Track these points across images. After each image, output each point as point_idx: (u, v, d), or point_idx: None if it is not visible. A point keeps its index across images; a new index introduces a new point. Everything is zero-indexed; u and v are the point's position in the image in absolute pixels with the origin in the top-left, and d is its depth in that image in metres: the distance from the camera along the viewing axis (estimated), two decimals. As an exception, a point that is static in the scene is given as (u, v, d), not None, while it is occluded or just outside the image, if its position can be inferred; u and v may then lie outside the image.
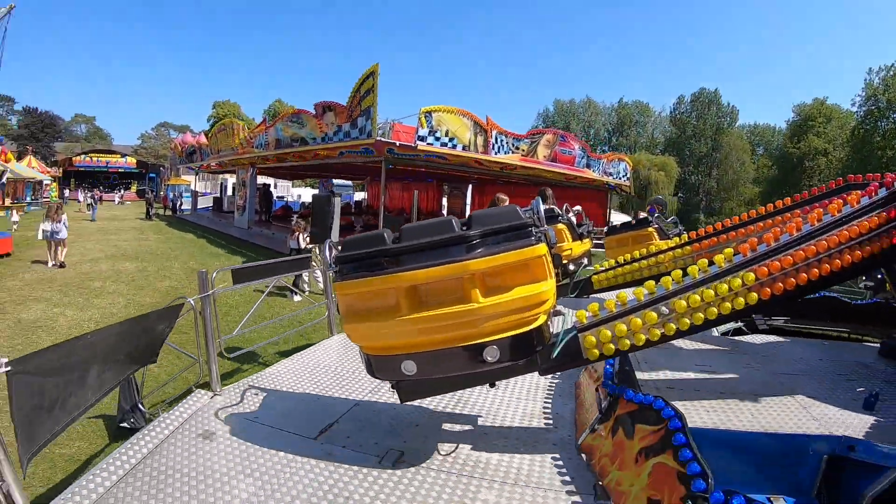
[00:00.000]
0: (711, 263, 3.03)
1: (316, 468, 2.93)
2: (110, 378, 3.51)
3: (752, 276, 2.84)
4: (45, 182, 34.53)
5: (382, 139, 12.47)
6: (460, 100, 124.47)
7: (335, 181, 31.96)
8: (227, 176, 32.25)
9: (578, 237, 5.66)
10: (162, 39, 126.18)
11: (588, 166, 20.48)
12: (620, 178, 23.55)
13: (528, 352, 2.77)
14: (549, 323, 2.89)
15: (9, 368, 2.46)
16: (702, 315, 2.80)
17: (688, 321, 2.80)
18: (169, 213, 33.54)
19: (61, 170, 44.08)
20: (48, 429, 2.86)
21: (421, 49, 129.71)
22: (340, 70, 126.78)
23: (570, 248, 5.44)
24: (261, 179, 25.41)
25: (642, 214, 9.30)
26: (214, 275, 4.00)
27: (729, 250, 3.09)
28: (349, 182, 36.23)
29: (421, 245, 2.61)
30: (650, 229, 6.51)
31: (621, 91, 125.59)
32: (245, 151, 19.19)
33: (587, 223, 6.31)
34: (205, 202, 35.37)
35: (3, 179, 24.77)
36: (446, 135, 13.05)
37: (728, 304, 2.80)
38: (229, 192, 32.92)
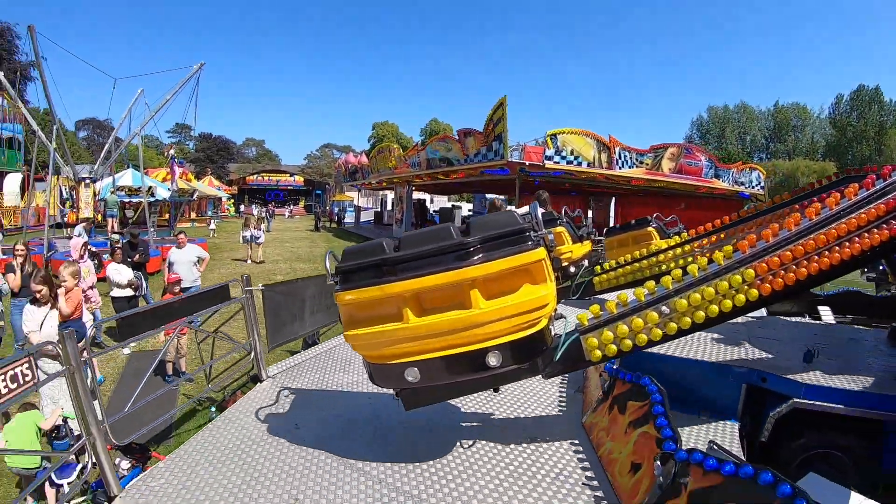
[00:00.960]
0: (711, 261, 3.02)
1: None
2: (318, 319, 5.66)
3: (751, 272, 2.84)
4: (223, 199, 39.15)
5: (513, 160, 14.56)
6: (613, 113, 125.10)
7: (489, 195, 33.88)
8: (386, 192, 36.18)
9: (578, 239, 5.64)
10: (323, 68, 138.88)
11: (717, 177, 21.02)
12: (753, 187, 23.90)
13: (530, 356, 2.78)
14: (550, 326, 2.90)
15: (262, 287, 4.78)
16: (703, 313, 2.80)
17: (689, 320, 2.80)
18: (334, 225, 38.56)
19: (236, 188, 48.99)
20: (283, 335, 5.05)
21: (579, 62, 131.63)
22: (489, 87, 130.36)
23: (570, 251, 5.42)
24: (418, 195, 29.22)
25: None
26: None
27: (728, 247, 3.09)
28: (504, 196, 38.96)
29: (420, 253, 2.62)
30: (650, 229, 6.48)
31: (777, 94, 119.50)
32: (400, 171, 21.30)
33: (586, 225, 6.28)
34: (367, 216, 40.23)
35: (194, 197, 30.78)
36: (571, 153, 14.71)
37: (729, 302, 2.80)
38: (388, 206, 37.01)
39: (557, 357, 2.89)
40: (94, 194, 19.03)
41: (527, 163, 14.66)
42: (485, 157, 15.45)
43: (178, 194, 23.69)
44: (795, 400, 3.45)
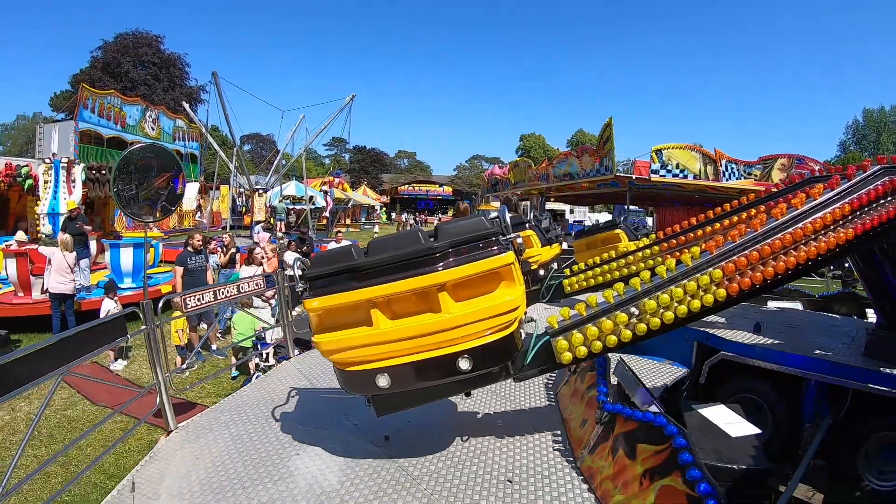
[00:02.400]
0: (679, 262, 3.01)
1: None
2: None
3: (719, 272, 2.85)
4: (375, 207, 41.78)
5: (621, 174, 15.76)
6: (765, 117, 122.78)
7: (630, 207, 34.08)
8: (525, 203, 35.61)
9: (547, 242, 5.58)
10: (474, 81, 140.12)
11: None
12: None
13: (501, 359, 2.78)
14: (520, 330, 2.90)
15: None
16: (672, 314, 2.80)
17: (658, 320, 2.80)
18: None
19: (389, 197, 51.72)
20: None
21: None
22: (634, 95, 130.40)
23: (540, 254, 5.36)
24: (556, 206, 31.11)
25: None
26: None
27: (696, 248, 3.08)
28: (641, 208, 39.12)
29: (389, 259, 2.61)
30: (618, 231, 6.47)
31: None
32: (533, 184, 22.17)
33: (555, 228, 6.17)
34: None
35: (349, 205, 34.55)
36: (677, 167, 15.41)
37: (697, 302, 2.80)
38: (528, 215, 38.07)
39: (528, 360, 2.88)
40: (266, 202, 25.30)
41: (634, 176, 15.54)
42: (598, 172, 16.84)
43: (334, 203, 28.77)
44: (723, 352, 4.46)
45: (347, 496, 2.75)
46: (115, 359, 7.62)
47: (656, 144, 15.33)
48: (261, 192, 24.89)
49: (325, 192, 29.96)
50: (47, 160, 14.15)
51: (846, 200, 3.25)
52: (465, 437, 3.42)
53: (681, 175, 15.66)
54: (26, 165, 15.45)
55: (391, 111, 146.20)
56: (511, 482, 2.88)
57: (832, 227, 3.16)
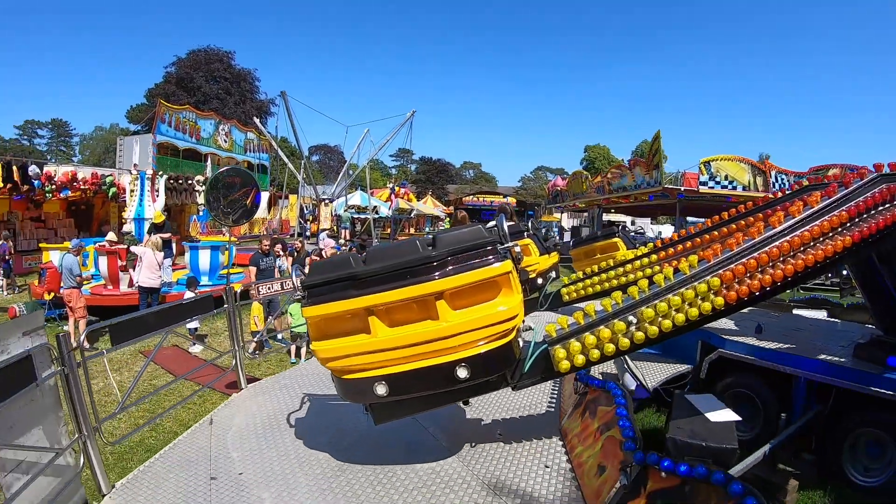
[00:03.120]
0: (677, 271, 2.93)
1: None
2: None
3: (717, 280, 2.75)
4: (440, 217, 41.86)
5: (670, 186, 15.49)
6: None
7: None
8: (584, 214, 37.23)
9: (545, 251, 5.39)
10: (539, 92, 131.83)
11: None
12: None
13: (499, 368, 2.68)
14: (518, 338, 2.81)
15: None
16: (669, 322, 2.71)
17: (656, 329, 2.71)
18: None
19: (453, 207, 50.48)
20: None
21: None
22: (701, 107, 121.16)
23: (538, 263, 5.17)
24: (616, 217, 31.22)
25: None
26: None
27: (694, 257, 2.99)
28: (702, 219, 40.06)
29: (387, 267, 2.51)
30: (616, 239, 6.30)
31: None
32: (590, 196, 21.99)
33: (553, 237, 5.93)
34: (569, 236, 42.80)
35: (412, 215, 33.42)
36: (725, 178, 15.03)
37: (695, 310, 2.71)
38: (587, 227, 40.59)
39: (526, 369, 2.79)
40: (332, 211, 25.32)
41: (682, 188, 15.24)
42: (649, 184, 16.70)
43: (398, 212, 29.09)
44: (720, 350, 4.54)
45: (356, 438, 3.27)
46: (193, 343, 8.28)
47: (714, 155, 15.05)
48: (327, 201, 25.13)
49: (392, 193, 30.31)
50: (132, 171, 14.98)
51: (844, 208, 3.13)
52: (474, 443, 3.29)
53: (729, 186, 15.21)
54: (110, 175, 17.03)
55: (457, 123, 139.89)
56: (548, 467, 2.95)
57: (830, 234, 3.01)
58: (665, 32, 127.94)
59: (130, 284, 10.11)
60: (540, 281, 4.90)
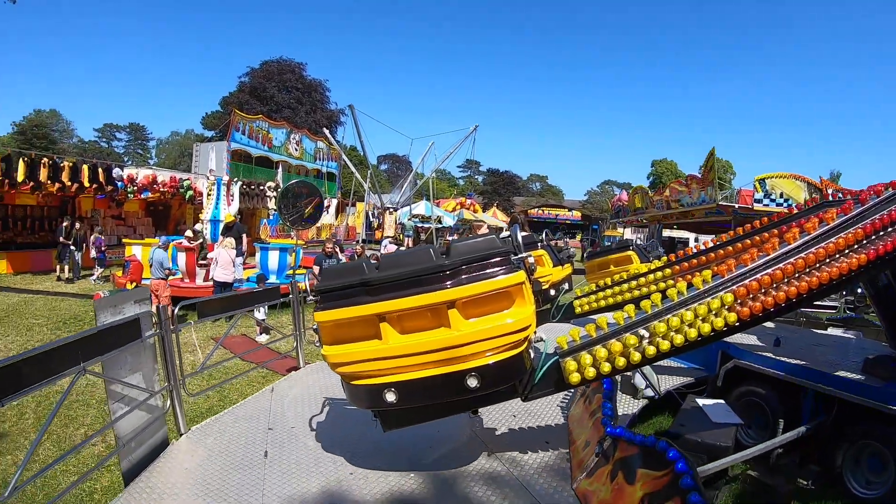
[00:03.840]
0: (691, 286, 2.95)
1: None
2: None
3: (730, 296, 2.78)
4: (503, 228, 43.86)
5: (724, 203, 15.55)
6: None
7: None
8: (645, 229, 37.99)
9: (559, 262, 5.48)
10: (607, 106, 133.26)
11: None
12: None
13: (509, 378, 2.68)
14: (529, 349, 2.80)
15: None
16: (681, 337, 2.73)
17: (667, 343, 2.73)
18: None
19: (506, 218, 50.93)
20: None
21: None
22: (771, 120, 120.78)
23: (551, 273, 5.22)
24: (681, 234, 31.63)
25: None
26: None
27: (707, 272, 3.03)
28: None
29: (400, 275, 2.53)
30: (630, 252, 6.34)
31: None
32: (650, 211, 22.41)
33: (567, 248, 6.09)
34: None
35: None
36: (780, 196, 15.16)
37: (707, 326, 2.73)
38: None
39: (537, 380, 2.80)
40: (396, 219, 26.65)
41: (736, 205, 15.26)
42: (704, 201, 16.41)
43: (462, 223, 30.03)
44: (736, 359, 4.86)
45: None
46: (260, 333, 9.03)
47: (757, 175, 14.85)
48: (391, 210, 26.29)
49: (460, 206, 31.90)
50: (209, 176, 16.65)
51: (859, 226, 3.13)
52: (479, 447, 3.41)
53: (785, 205, 15.01)
54: (188, 179, 18.35)
55: (525, 135, 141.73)
56: (548, 443, 3.26)
57: (845, 252, 3.03)
58: (738, 52, 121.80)
59: (205, 279, 11.43)
60: (553, 292, 4.96)
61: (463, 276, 2.52)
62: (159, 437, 3.60)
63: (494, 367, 2.55)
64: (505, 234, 2.86)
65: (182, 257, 11.76)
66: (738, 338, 5.09)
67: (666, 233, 28.76)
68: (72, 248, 14.23)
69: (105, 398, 3.55)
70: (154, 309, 3.71)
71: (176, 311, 3.89)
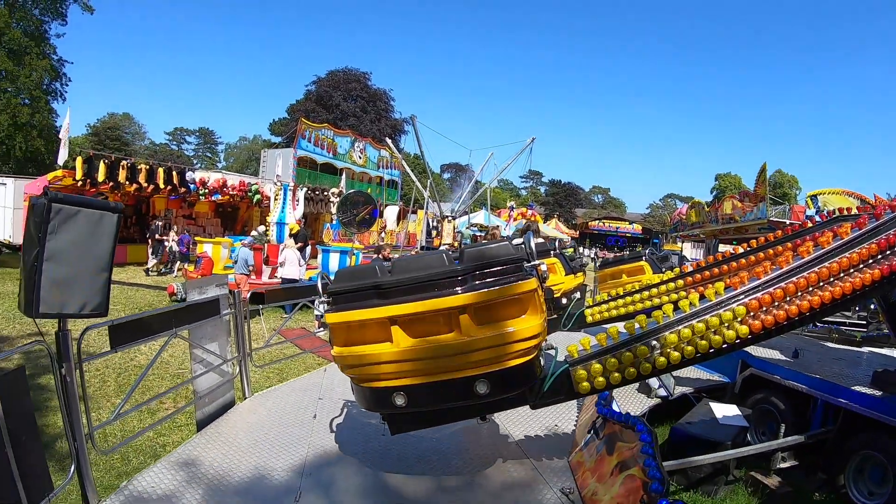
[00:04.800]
0: (703, 297, 2.89)
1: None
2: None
3: (742, 308, 2.71)
4: (563, 240, 44.37)
5: (775, 219, 15.90)
6: None
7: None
8: (702, 244, 38.61)
9: (571, 271, 5.54)
10: (670, 118, 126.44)
11: None
12: None
13: (519, 385, 2.61)
14: (540, 357, 2.73)
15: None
16: (692, 348, 2.65)
17: (678, 354, 2.65)
18: (663, 270, 42.49)
19: (578, 231, 51.32)
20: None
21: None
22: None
23: (563, 282, 5.29)
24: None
25: None
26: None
27: (720, 284, 2.96)
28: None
29: (411, 278, 2.47)
30: (642, 262, 6.32)
31: None
32: (706, 226, 22.70)
33: (579, 257, 6.20)
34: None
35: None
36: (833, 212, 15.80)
37: (719, 338, 2.65)
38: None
39: (546, 388, 2.72)
40: (454, 228, 27.43)
41: (787, 221, 15.37)
42: (756, 216, 16.52)
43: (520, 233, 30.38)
44: (752, 368, 5.14)
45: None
46: (318, 327, 9.38)
47: (809, 192, 14.77)
48: (450, 218, 27.03)
49: (511, 207, 32.58)
50: (276, 181, 17.13)
51: (874, 241, 3.05)
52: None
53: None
54: (255, 183, 19.39)
55: (588, 146, 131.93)
56: (484, 420, 3.30)
57: (859, 266, 2.97)
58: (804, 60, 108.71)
59: (271, 276, 12.49)
60: (564, 301, 4.93)
61: (475, 282, 2.43)
62: (228, 398, 4.23)
63: (504, 374, 2.47)
64: (518, 241, 2.81)
65: (251, 256, 12.84)
66: (761, 349, 5.27)
67: (722, 248, 27.61)
68: (166, 243, 15.51)
69: (185, 365, 4.40)
70: (230, 293, 4.59)
71: (247, 295, 4.74)
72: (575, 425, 3.95)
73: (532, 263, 2.59)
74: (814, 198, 14.45)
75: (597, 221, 54.50)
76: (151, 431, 4.52)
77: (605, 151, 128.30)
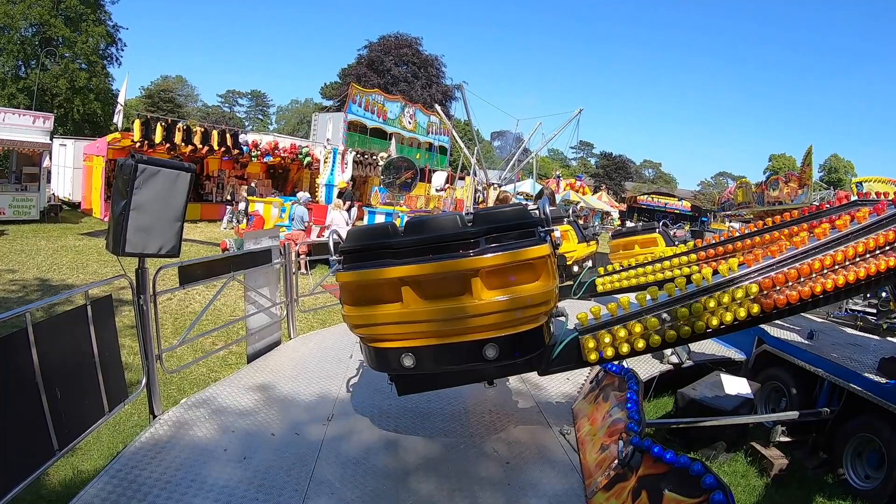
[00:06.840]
0: (716, 273, 2.73)
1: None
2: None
3: (755, 287, 2.54)
4: (611, 214, 40.79)
5: (816, 203, 15.38)
6: None
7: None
8: (748, 224, 39.16)
9: (584, 239, 5.47)
10: (725, 95, 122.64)
11: None
12: None
13: (528, 351, 2.49)
14: (550, 323, 2.59)
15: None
16: (703, 323, 2.49)
17: (689, 329, 2.49)
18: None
19: (626, 206, 50.68)
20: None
21: None
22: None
23: (575, 250, 5.23)
24: None
25: None
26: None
27: (734, 260, 2.79)
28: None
29: (424, 240, 2.35)
30: (655, 234, 6.20)
31: None
32: (752, 207, 22.86)
33: (593, 226, 6.20)
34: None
35: (577, 207, 35.53)
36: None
37: (730, 315, 2.50)
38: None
39: (555, 355, 2.61)
40: (499, 195, 24.89)
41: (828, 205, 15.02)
42: (799, 200, 16.32)
43: (565, 204, 28.98)
44: (765, 345, 5.34)
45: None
46: None
47: (854, 179, 14.17)
48: (495, 186, 26.72)
49: (558, 177, 31.47)
50: (326, 145, 17.75)
51: (891, 227, 2.91)
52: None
53: None
54: (306, 146, 19.26)
55: (641, 119, 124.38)
56: (492, 384, 3.23)
57: (874, 253, 2.83)
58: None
59: (319, 235, 12.65)
60: (576, 269, 4.99)
61: (488, 245, 2.29)
62: (275, 337, 4.55)
63: (513, 339, 2.35)
64: (533, 206, 2.60)
65: (307, 213, 13.45)
66: (777, 328, 5.40)
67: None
68: (238, 200, 15.96)
69: (235, 313, 5.07)
70: (282, 247, 5.20)
71: (300, 247, 5.25)
72: (586, 378, 3.95)
73: (546, 229, 2.43)
74: (859, 184, 13.89)
75: (646, 196, 52.01)
76: (205, 368, 4.96)
77: (660, 125, 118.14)
